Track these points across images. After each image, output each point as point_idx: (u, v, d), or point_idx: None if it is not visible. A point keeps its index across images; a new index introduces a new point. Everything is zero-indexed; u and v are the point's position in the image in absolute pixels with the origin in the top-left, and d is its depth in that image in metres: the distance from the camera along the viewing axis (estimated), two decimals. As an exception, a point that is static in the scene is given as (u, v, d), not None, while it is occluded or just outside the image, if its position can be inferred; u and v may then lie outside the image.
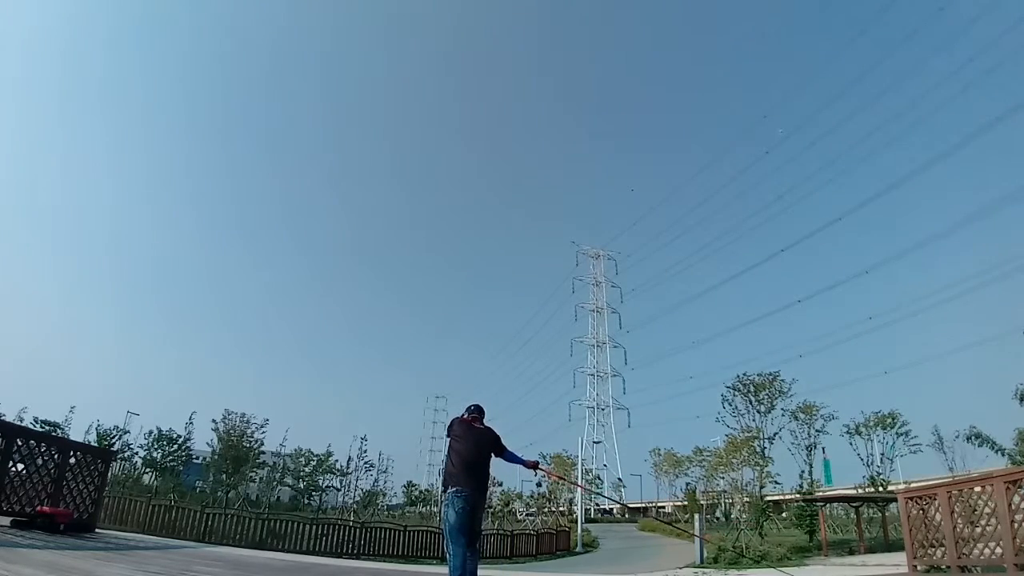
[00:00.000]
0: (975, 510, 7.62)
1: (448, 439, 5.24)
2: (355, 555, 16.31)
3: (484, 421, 5.34)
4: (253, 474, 32.68)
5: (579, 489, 37.40)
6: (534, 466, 5.70)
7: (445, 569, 4.61)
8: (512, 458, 5.38)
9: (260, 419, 31.72)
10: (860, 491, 25.96)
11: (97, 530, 9.21)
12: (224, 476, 30.05)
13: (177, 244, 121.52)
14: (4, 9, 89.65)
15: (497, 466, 5.39)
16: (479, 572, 4.82)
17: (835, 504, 25.43)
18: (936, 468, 30.08)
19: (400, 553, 17.69)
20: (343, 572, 9.64)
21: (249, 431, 31.03)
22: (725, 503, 34.26)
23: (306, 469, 35.51)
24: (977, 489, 7.81)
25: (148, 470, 29.88)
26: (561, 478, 34.31)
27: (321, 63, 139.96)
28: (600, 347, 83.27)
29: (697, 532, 18.29)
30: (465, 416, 5.31)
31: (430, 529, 20.21)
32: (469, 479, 4.76)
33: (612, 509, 68.57)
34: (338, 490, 38.15)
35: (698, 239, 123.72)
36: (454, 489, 4.68)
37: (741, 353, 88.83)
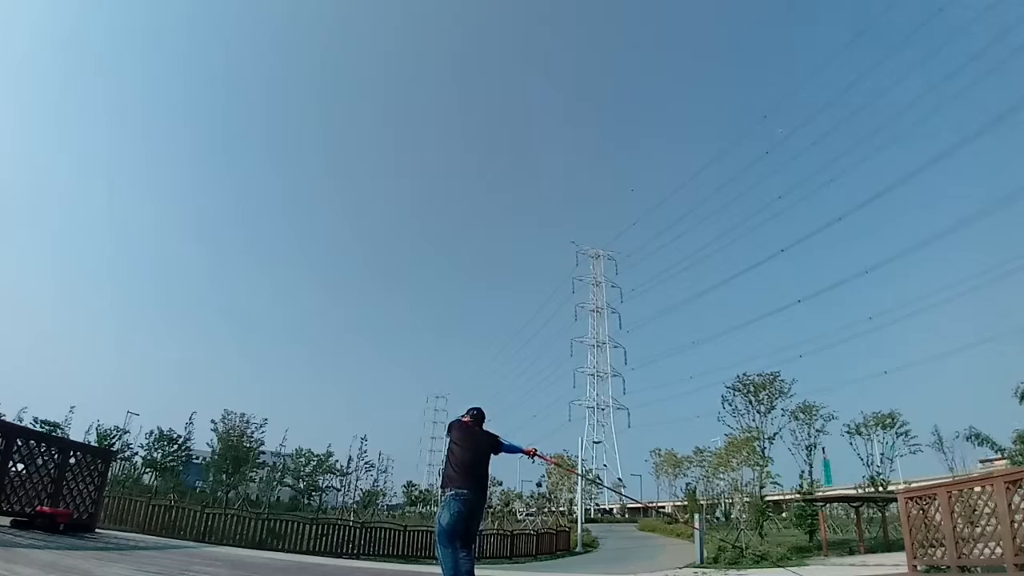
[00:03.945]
0: (975, 510, 7.61)
1: (448, 440, 5.24)
2: (355, 555, 16.31)
3: (484, 425, 5.35)
4: (253, 474, 32.70)
5: (579, 489, 37.37)
6: (532, 453, 5.74)
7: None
8: (510, 448, 5.41)
9: (260, 419, 31.80)
10: (860, 491, 25.94)
11: (97, 530, 9.20)
12: (224, 476, 30.07)
13: (177, 244, 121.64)
14: (5, 9, 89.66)
15: (498, 466, 5.36)
16: (477, 572, 4.82)
17: (835, 504, 25.43)
18: (936, 468, 30.12)
19: (400, 553, 17.69)
20: (343, 572, 9.64)
21: (249, 431, 31.07)
22: (725, 503, 34.25)
23: (306, 469, 35.53)
24: (977, 489, 7.81)
25: (148, 470, 29.91)
26: (559, 464, 34.27)
27: (323, 62, 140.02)
28: (600, 347, 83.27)
29: (696, 526, 18.28)
30: (465, 419, 5.31)
31: (430, 529, 20.19)
32: (468, 481, 4.76)
33: (612, 509, 68.56)
34: (338, 490, 38.20)
35: (698, 239, 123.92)
36: (452, 492, 4.68)
37: (741, 353, 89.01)
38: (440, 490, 4.89)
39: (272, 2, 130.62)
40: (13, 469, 7.57)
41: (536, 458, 5.73)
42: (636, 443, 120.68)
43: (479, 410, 5.39)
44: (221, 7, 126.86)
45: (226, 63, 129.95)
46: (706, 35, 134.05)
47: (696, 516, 20.79)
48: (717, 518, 35.41)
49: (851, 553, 17.36)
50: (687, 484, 44.64)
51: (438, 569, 4.67)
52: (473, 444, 5.04)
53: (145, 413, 38.23)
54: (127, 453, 29.83)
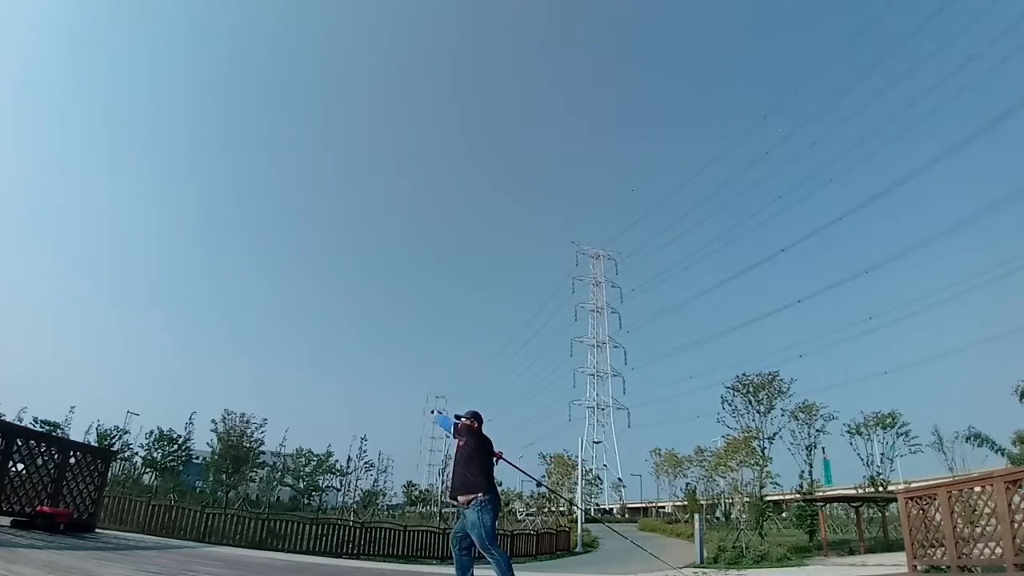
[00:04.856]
0: (975, 510, 7.62)
1: (460, 443, 5.09)
2: (355, 555, 16.30)
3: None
4: (253, 474, 32.65)
5: (579, 490, 37.35)
6: (499, 456, 5.54)
7: (444, 569, 4.61)
8: None
9: (260, 419, 31.73)
10: (860, 491, 25.93)
11: (97, 530, 9.21)
12: (224, 476, 30.03)
13: (177, 244, 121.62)
14: (5, 9, 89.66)
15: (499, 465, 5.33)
16: (477, 573, 4.84)
17: (835, 504, 25.42)
18: (936, 468, 30.07)
19: (400, 553, 17.69)
20: (343, 572, 9.64)
21: (249, 431, 31.00)
22: (725, 503, 34.23)
23: (306, 469, 35.50)
24: (977, 489, 7.81)
25: (148, 470, 29.89)
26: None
27: (322, 61, 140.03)
28: (600, 347, 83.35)
29: (697, 532, 18.29)
30: (472, 423, 5.23)
31: (430, 529, 20.20)
32: (493, 486, 4.83)
33: (612, 509, 68.60)
34: (338, 490, 38.12)
35: (698, 239, 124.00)
36: (488, 496, 4.68)
37: (741, 353, 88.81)
38: (476, 496, 4.70)
39: (273, 3, 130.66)
40: (13, 469, 7.58)
41: (501, 460, 5.53)
42: (636, 443, 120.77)
43: (480, 415, 5.36)
44: (222, 8, 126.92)
45: (227, 63, 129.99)
46: (706, 35, 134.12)
47: (696, 516, 20.76)
48: (717, 518, 35.38)
49: (851, 553, 17.36)
50: (687, 484, 44.63)
51: (438, 569, 4.69)
52: (489, 449, 5.10)
53: (145, 413, 38.27)
54: (127, 453, 29.82)
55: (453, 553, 4.87)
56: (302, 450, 35.89)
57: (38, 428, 24.08)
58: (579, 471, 38.02)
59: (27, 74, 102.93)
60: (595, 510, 60.26)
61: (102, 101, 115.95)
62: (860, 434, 27.17)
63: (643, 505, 66.56)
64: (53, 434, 22.19)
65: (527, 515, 43.67)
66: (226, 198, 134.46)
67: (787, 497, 32.29)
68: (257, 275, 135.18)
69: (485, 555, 4.63)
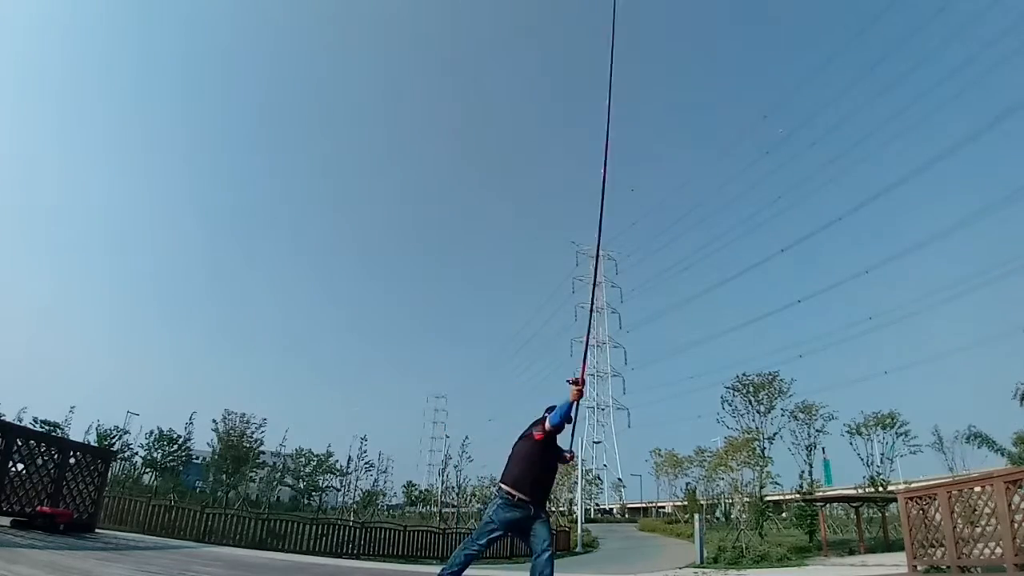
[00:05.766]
0: (975, 510, 7.62)
1: (568, 456, 4.88)
2: (355, 555, 16.31)
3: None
4: (253, 474, 32.66)
5: (579, 489, 37.33)
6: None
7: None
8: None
9: (259, 419, 31.72)
10: (860, 491, 25.93)
11: (97, 530, 9.20)
12: (224, 476, 30.03)
13: (176, 244, 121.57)
14: (3, 8, 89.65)
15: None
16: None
17: (835, 504, 25.42)
18: (936, 468, 30.08)
19: (400, 553, 17.69)
20: (343, 572, 9.64)
21: (249, 431, 31.00)
22: (725, 503, 34.22)
23: (306, 469, 35.50)
24: (977, 489, 7.81)
25: (148, 470, 29.88)
26: None
27: (320, 62, 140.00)
28: (600, 347, 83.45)
29: (697, 532, 18.29)
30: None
31: (430, 529, 20.23)
32: None
33: (612, 509, 68.61)
34: (338, 490, 38.13)
35: (698, 239, 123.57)
36: None
37: (741, 353, 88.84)
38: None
39: (269, 3, 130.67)
40: (13, 469, 7.57)
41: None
42: (636, 443, 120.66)
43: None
44: (221, 4, 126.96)
45: (224, 63, 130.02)
46: (706, 35, 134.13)
47: (696, 516, 20.78)
48: (717, 518, 35.37)
49: (851, 553, 17.36)
50: (687, 484, 44.60)
51: (437, 569, 4.63)
52: None
53: (145, 413, 38.16)
54: (127, 453, 29.77)
55: (468, 554, 4.50)
56: (302, 450, 35.92)
57: (38, 428, 24.04)
58: (579, 471, 38.00)
59: (24, 71, 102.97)
60: (595, 510, 60.30)
61: (99, 99, 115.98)
62: (860, 434, 27.14)
63: (643, 505, 66.56)
64: (53, 434, 22.17)
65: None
66: (224, 197, 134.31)
67: (787, 497, 32.28)
68: (256, 275, 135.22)
69: (543, 554, 4.24)
